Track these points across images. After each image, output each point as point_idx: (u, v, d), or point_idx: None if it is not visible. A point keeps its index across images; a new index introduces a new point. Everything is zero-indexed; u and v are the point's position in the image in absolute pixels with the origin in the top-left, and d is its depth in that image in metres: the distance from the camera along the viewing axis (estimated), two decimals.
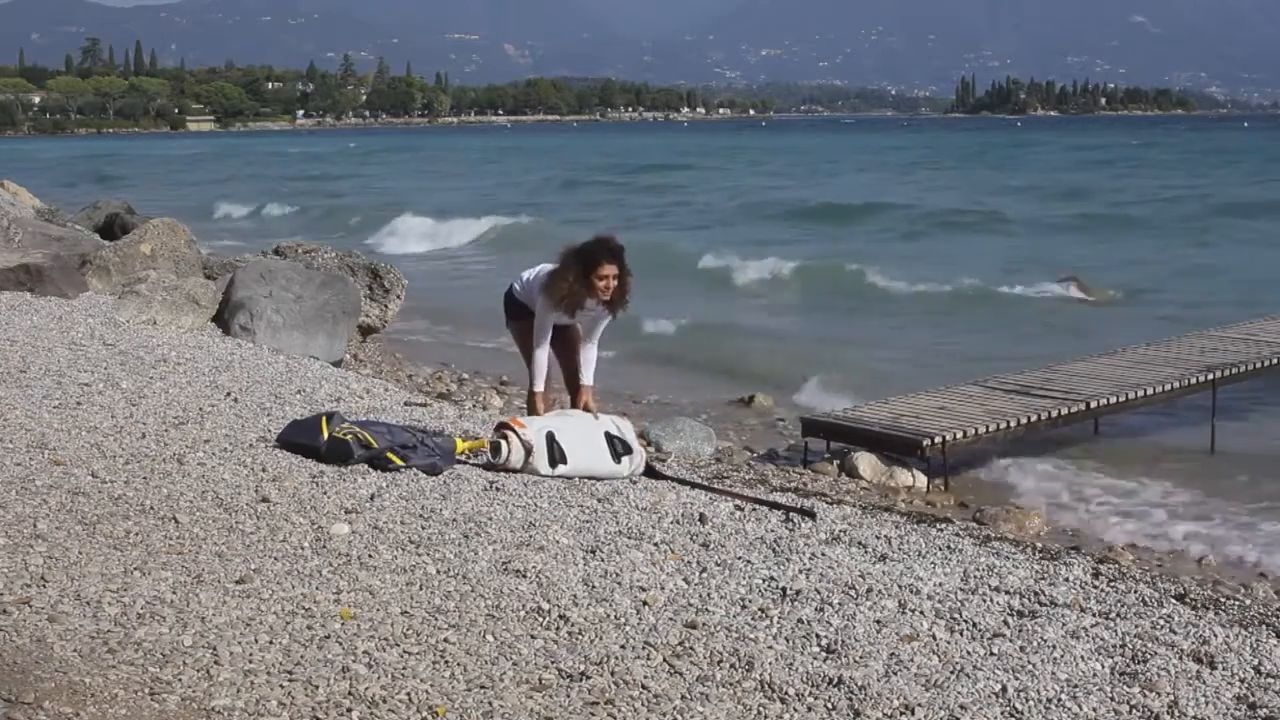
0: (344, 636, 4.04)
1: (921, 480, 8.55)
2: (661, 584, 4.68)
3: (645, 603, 4.48)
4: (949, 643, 4.25)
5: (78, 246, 13.10)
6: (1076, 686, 3.92)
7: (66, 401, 7.27)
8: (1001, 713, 3.72)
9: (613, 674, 3.85)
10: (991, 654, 4.16)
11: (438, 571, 4.71)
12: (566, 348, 6.96)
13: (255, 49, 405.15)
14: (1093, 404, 9.39)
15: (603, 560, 4.93)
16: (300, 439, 6.43)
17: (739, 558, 5.05)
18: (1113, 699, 3.84)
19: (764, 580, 4.78)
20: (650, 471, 6.60)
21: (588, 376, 6.84)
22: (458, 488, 5.91)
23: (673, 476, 6.69)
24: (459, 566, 4.77)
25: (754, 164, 61.81)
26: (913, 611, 4.52)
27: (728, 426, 10.10)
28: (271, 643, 3.96)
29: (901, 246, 25.39)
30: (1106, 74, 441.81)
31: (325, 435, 6.30)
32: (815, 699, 3.75)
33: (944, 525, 6.17)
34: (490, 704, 3.62)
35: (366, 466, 6.13)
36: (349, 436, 6.25)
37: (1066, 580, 5.06)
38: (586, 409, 6.76)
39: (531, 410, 6.95)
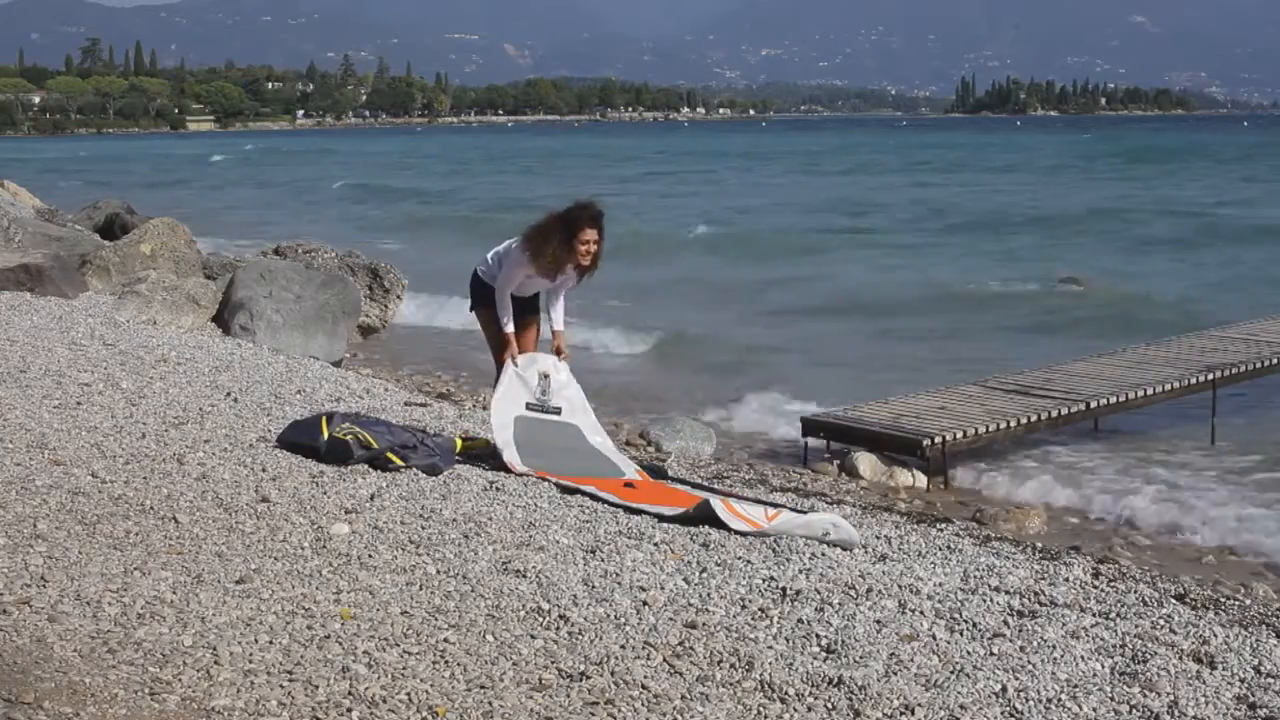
0: (344, 636, 4.04)
1: (921, 480, 8.55)
2: (661, 584, 4.68)
3: (645, 603, 4.47)
4: (949, 643, 4.25)
5: (78, 246, 13.11)
6: (1076, 686, 3.92)
7: (66, 401, 7.27)
8: (1001, 713, 3.72)
9: (613, 674, 3.85)
10: (991, 654, 4.16)
11: (438, 571, 4.71)
12: (522, 329, 6.79)
13: (255, 49, 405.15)
14: (1093, 404, 9.38)
15: (603, 560, 4.93)
16: (300, 439, 6.43)
17: (739, 558, 5.04)
18: (1113, 699, 3.84)
19: (764, 580, 4.78)
20: (655, 472, 6.61)
21: (559, 322, 6.76)
22: (458, 488, 5.91)
23: (673, 476, 6.70)
24: (459, 566, 4.77)
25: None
26: (913, 611, 4.52)
27: (728, 426, 10.10)
28: (271, 643, 3.96)
29: None
30: (1106, 74, 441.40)
31: (325, 435, 6.31)
32: (815, 699, 3.75)
33: (944, 525, 6.17)
34: (490, 704, 3.62)
35: (366, 466, 6.13)
36: (349, 437, 6.25)
37: (1066, 580, 5.07)
38: (558, 351, 6.75)
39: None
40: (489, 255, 6.81)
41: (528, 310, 6.83)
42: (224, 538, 4.99)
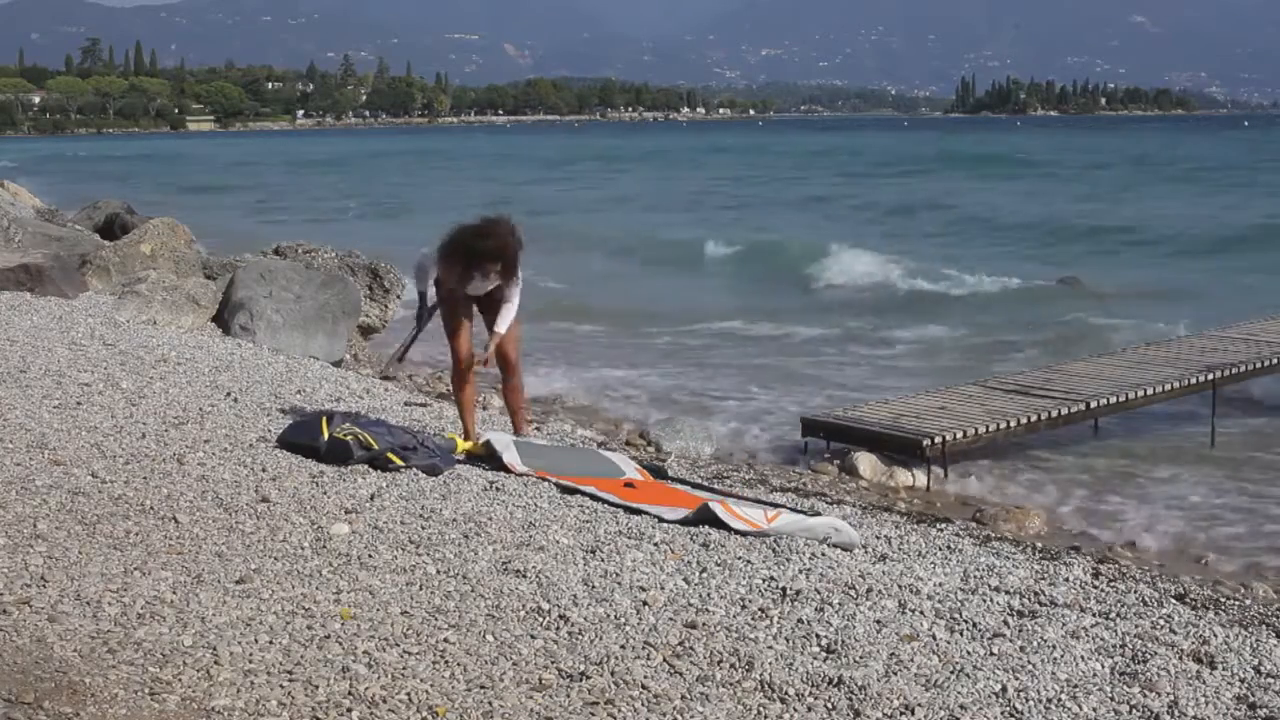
0: (344, 636, 4.04)
1: (921, 480, 8.55)
2: (661, 584, 4.68)
3: (645, 603, 4.47)
4: (949, 643, 4.25)
5: (78, 246, 13.11)
6: (1076, 686, 3.92)
7: (66, 401, 7.27)
8: (1001, 713, 3.72)
9: (613, 674, 3.85)
10: (991, 654, 4.16)
11: (438, 571, 4.71)
12: (491, 307, 6.92)
13: (255, 49, 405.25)
14: (1093, 404, 9.38)
15: (603, 560, 4.93)
16: (300, 439, 6.43)
17: (739, 558, 5.04)
18: (1113, 699, 3.84)
19: (764, 580, 4.78)
20: (655, 472, 6.62)
21: (501, 325, 6.80)
22: (458, 488, 5.91)
23: (674, 476, 6.70)
24: (459, 566, 4.77)
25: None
26: (913, 611, 4.52)
27: (728, 426, 10.10)
28: (271, 643, 3.96)
29: None
30: (1106, 74, 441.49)
31: (325, 435, 6.31)
32: (815, 699, 3.75)
33: (944, 525, 6.18)
34: (490, 704, 3.62)
35: (366, 466, 6.13)
36: (349, 437, 6.26)
37: (1066, 580, 5.07)
38: (499, 355, 6.83)
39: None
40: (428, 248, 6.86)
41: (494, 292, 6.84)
42: (224, 538, 4.99)
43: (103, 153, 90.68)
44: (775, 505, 5.89)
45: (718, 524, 5.43)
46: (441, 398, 9.61)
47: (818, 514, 5.78)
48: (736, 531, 5.36)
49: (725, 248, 24.48)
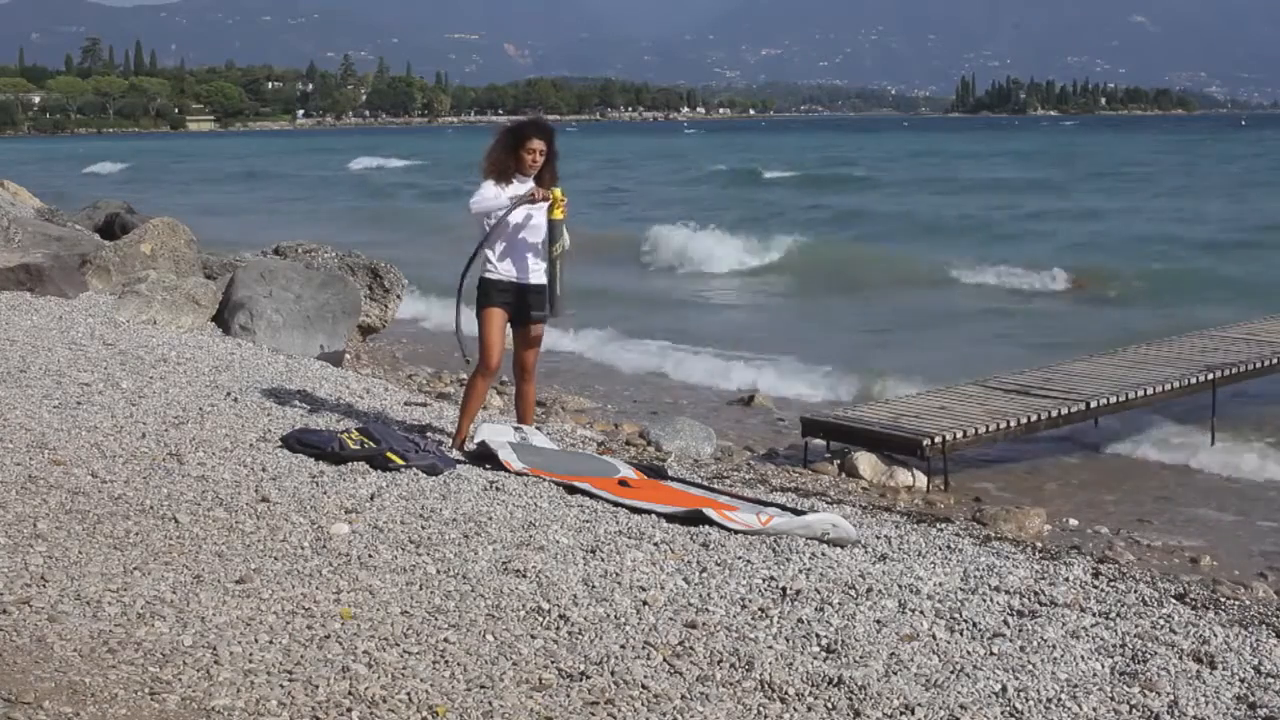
0: (344, 636, 4.04)
1: (921, 480, 8.54)
2: (661, 584, 4.68)
3: (645, 603, 4.48)
4: (949, 643, 4.25)
5: (78, 246, 13.10)
6: (1076, 686, 3.92)
7: (66, 401, 7.27)
8: (1001, 713, 3.72)
9: (613, 674, 3.85)
10: (991, 654, 4.16)
11: (438, 571, 4.71)
12: (524, 345, 6.94)
13: (255, 49, 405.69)
14: (1093, 404, 9.37)
15: (603, 560, 4.93)
16: (311, 439, 6.46)
17: (739, 557, 5.05)
18: (1113, 699, 3.85)
19: (764, 580, 4.78)
20: (655, 471, 6.62)
21: (532, 356, 6.92)
22: (458, 488, 5.91)
23: (674, 476, 6.70)
24: (459, 566, 4.77)
25: None
26: (913, 611, 4.52)
27: (728, 426, 10.09)
28: (271, 643, 3.96)
29: None
30: (1106, 74, 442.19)
31: (336, 442, 6.34)
32: (815, 699, 3.75)
33: (944, 525, 6.18)
34: (490, 704, 3.62)
35: (366, 466, 6.13)
36: (350, 437, 6.29)
37: (1066, 580, 5.07)
38: (519, 362, 6.87)
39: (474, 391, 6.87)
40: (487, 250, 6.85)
41: (532, 309, 6.82)
42: (224, 538, 5.00)
43: None
44: (769, 506, 5.90)
45: (712, 522, 5.45)
46: (442, 397, 9.60)
47: (815, 511, 5.79)
48: (734, 531, 5.38)
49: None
